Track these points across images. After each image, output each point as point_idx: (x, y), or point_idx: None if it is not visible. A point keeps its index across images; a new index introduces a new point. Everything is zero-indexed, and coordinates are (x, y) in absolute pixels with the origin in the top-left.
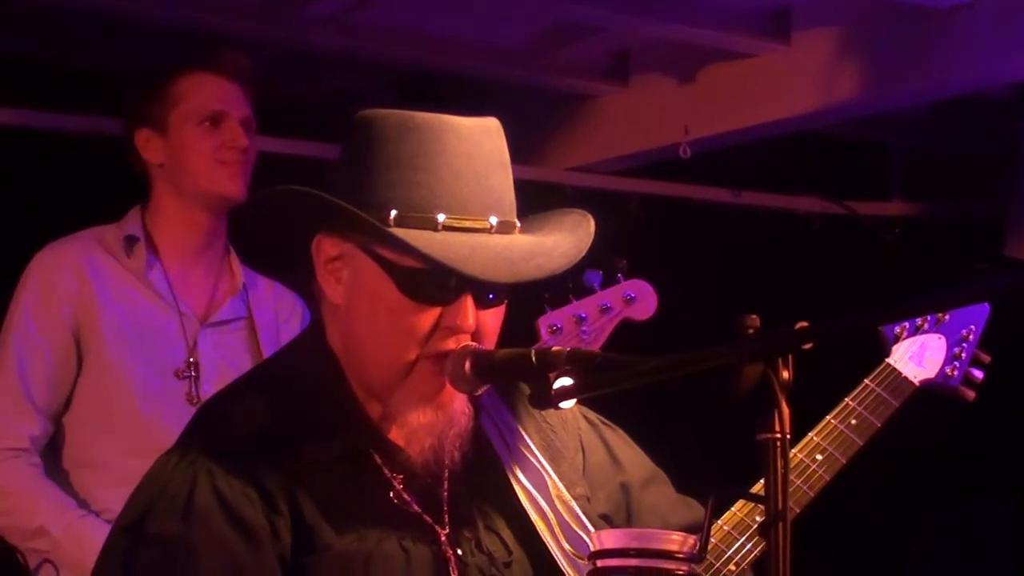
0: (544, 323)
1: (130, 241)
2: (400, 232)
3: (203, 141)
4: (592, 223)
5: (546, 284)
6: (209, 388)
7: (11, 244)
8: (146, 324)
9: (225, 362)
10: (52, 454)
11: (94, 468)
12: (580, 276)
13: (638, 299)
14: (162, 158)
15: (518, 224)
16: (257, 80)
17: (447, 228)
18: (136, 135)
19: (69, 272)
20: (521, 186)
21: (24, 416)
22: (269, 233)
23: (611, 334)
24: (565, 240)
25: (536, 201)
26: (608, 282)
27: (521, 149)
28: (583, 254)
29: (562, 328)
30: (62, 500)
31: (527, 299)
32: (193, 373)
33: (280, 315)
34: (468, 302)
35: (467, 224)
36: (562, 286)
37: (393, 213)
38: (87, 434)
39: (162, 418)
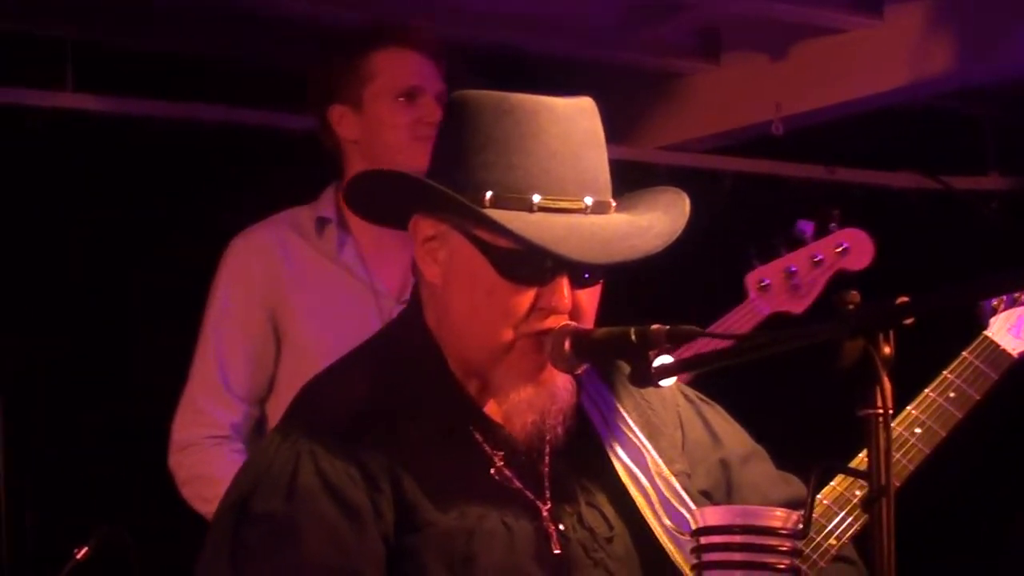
0: (752, 279)
1: (321, 222)
2: (495, 213)
3: (399, 116)
4: (687, 201)
5: (754, 238)
6: None
7: (205, 236)
8: (341, 304)
9: None
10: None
11: None
12: (791, 228)
13: (852, 249)
14: (357, 134)
15: (613, 204)
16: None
17: (542, 209)
18: (329, 112)
19: (261, 257)
20: (613, 166)
21: (223, 403)
22: (370, 214)
23: (825, 287)
24: (660, 220)
25: (628, 180)
26: (820, 232)
27: (612, 129)
28: (678, 234)
29: (771, 284)
30: None
31: (735, 254)
32: None
33: None
34: (564, 282)
35: (562, 204)
36: (771, 239)
37: (488, 194)
38: None
39: None
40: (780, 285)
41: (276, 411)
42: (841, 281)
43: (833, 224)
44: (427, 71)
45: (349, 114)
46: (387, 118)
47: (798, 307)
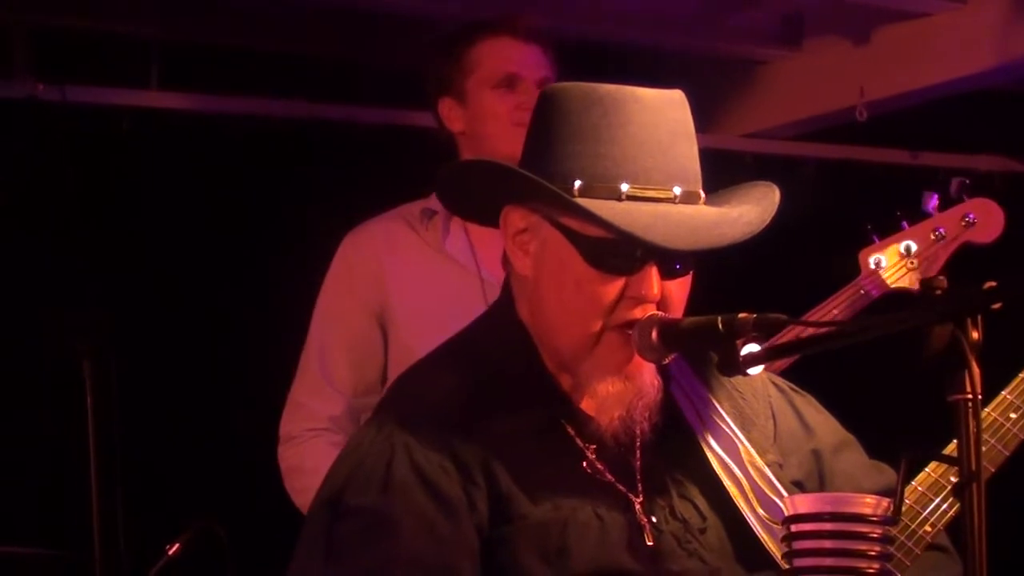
0: (866, 256)
1: (427, 213)
2: (584, 202)
3: (499, 105)
4: (777, 193)
5: (872, 215)
6: None
7: (290, 232)
8: (446, 294)
9: None
10: None
11: None
12: (917, 200)
13: (979, 221)
14: (463, 126)
15: (703, 195)
16: (549, 40)
17: (631, 198)
18: (440, 105)
19: (367, 252)
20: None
21: (322, 396)
22: (461, 205)
23: (947, 262)
24: (750, 211)
25: (712, 169)
26: (946, 203)
27: (696, 117)
28: (767, 223)
29: (886, 261)
30: None
31: (853, 231)
32: None
33: None
34: (653, 271)
35: (651, 194)
36: (891, 214)
37: (577, 184)
38: None
39: None
40: (896, 263)
41: None
42: (969, 255)
43: (964, 195)
44: (526, 58)
45: (456, 106)
46: (488, 107)
47: (916, 286)
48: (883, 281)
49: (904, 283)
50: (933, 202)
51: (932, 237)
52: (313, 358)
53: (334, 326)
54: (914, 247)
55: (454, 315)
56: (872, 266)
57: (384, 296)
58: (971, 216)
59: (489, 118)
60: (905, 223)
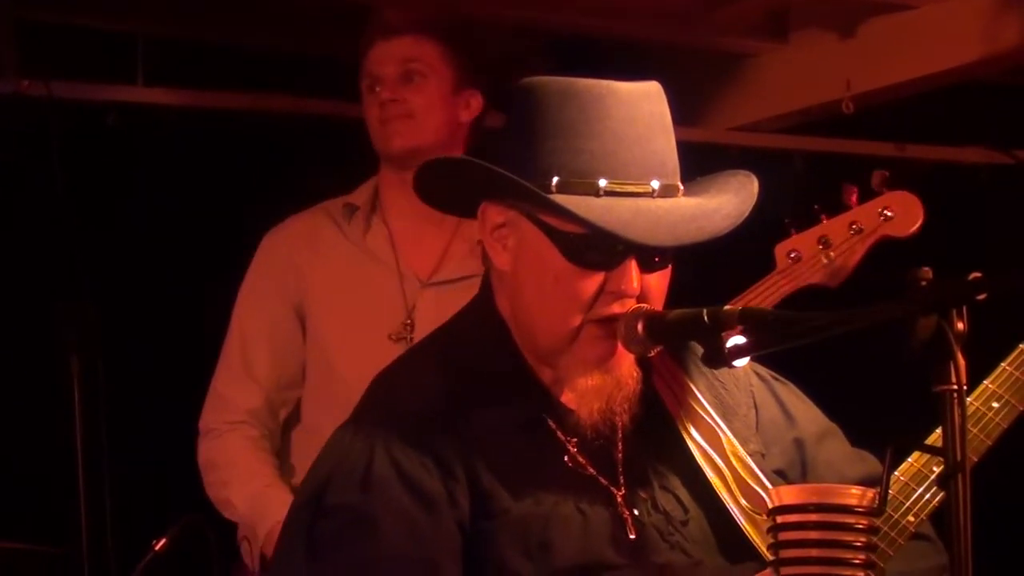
0: (782, 250)
1: (350, 209)
2: (562, 198)
3: (370, 107)
4: (756, 184)
5: (791, 208)
6: None
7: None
8: (363, 289)
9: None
10: (288, 425)
11: (311, 434)
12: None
13: (898, 214)
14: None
15: (681, 187)
16: (422, 25)
17: (609, 193)
18: None
19: (288, 246)
20: (684, 148)
21: (242, 389)
22: (439, 201)
23: (865, 256)
24: (729, 202)
25: (699, 163)
26: (866, 197)
27: (682, 110)
28: (746, 215)
29: (801, 255)
30: (254, 471)
31: (771, 223)
32: (409, 335)
33: None
34: (632, 266)
35: (629, 188)
36: (808, 207)
37: (555, 180)
38: (308, 402)
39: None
40: (812, 256)
41: (304, 396)
42: (887, 249)
43: (879, 187)
44: (383, 55)
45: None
46: (366, 112)
47: (832, 281)
48: (798, 275)
49: (818, 278)
50: (854, 194)
51: (850, 231)
52: (234, 349)
53: (255, 317)
54: (831, 240)
55: (371, 309)
56: (788, 260)
57: (303, 289)
58: (889, 210)
59: (368, 122)
60: (824, 216)
